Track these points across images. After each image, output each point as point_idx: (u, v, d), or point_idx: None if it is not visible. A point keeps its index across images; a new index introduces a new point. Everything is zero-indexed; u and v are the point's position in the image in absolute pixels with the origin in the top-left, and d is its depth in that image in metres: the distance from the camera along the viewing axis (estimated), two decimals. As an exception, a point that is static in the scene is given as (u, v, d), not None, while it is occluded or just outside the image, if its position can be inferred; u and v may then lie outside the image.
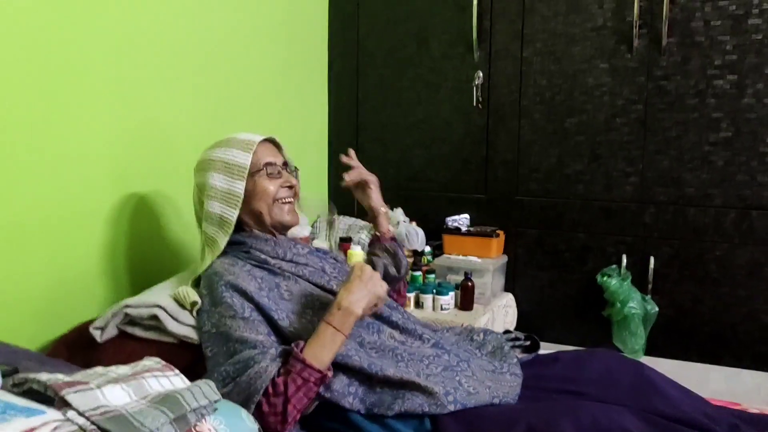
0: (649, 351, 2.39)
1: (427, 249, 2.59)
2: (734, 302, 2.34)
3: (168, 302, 1.46)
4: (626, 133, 2.43)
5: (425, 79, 2.73)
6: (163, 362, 1.14)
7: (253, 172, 1.51)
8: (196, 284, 1.53)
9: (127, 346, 1.46)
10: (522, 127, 2.59)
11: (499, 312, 2.48)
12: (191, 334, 1.43)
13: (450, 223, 2.61)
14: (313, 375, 1.25)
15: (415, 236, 2.59)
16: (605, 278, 2.42)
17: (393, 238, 1.79)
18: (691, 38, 2.30)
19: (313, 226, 2.64)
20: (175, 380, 1.08)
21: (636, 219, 2.45)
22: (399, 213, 2.64)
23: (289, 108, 2.59)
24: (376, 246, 1.78)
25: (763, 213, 2.27)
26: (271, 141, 1.60)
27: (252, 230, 1.55)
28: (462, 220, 2.64)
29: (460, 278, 2.40)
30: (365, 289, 1.34)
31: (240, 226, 1.54)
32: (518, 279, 2.65)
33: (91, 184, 1.68)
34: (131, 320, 1.49)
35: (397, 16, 2.75)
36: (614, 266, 2.45)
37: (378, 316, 1.50)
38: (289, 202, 1.56)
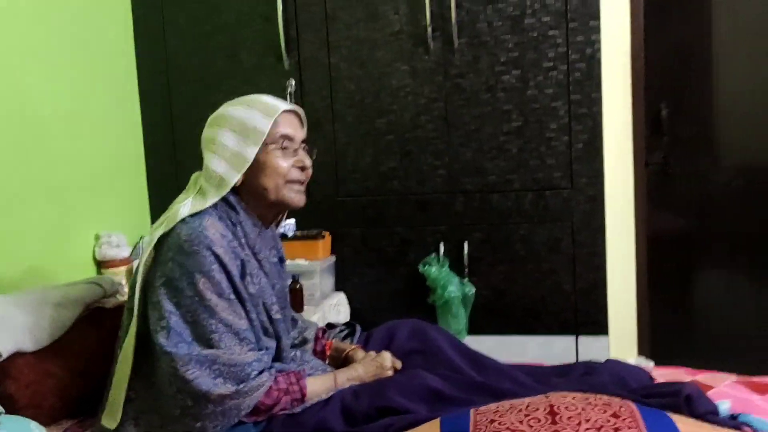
0: (472, 330, 2.54)
1: (256, 258, 2.59)
2: (540, 277, 2.56)
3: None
4: (431, 129, 2.59)
5: (240, 90, 2.62)
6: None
7: (268, 142, 1.42)
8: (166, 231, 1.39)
9: None
10: (337, 131, 2.68)
11: (331, 311, 2.53)
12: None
13: (276, 230, 2.64)
14: (299, 405, 1.38)
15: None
16: (426, 267, 2.55)
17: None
18: (478, 38, 2.51)
19: (135, 247, 2.56)
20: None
21: (448, 209, 2.61)
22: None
23: (100, 126, 2.50)
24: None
25: (554, 192, 2.51)
26: (296, 114, 1.52)
27: (246, 203, 1.46)
28: (288, 226, 2.68)
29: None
30: (373, 375, 1.50)
31: (233, 188, 1.43)
32: (348, 278, 2.72)
33: None
34: None
35: (204, 31, 2.75)
36: (433, 255, 2.59)
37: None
38: (301, 185, 1.49)
